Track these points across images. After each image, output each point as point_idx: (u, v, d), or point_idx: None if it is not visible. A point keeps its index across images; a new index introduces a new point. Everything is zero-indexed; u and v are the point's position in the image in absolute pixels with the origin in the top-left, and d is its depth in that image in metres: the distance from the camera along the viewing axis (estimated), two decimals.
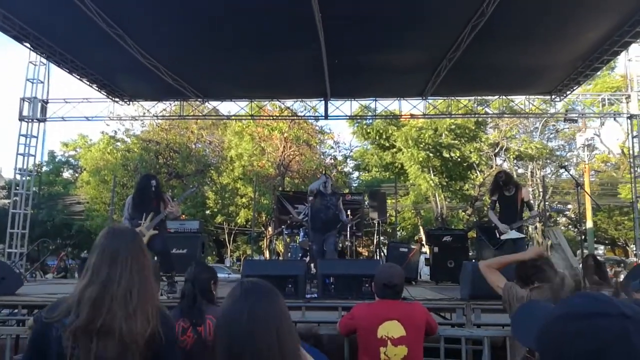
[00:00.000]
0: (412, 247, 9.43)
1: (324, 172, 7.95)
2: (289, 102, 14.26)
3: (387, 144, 23.24)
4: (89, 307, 1.82)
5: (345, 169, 29.36)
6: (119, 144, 25.60)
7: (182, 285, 3.08)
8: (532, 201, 7.06)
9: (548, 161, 27.49)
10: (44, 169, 25.61)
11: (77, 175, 29.85)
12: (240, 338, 1.36)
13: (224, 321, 1.42)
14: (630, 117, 11.69)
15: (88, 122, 12.76)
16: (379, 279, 3.24)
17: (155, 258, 6.56)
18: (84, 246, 29.13)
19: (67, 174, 31.39)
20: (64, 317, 1.88)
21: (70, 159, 30.98)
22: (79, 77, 10.81)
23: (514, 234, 6.76)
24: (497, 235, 6.93)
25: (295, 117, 18.60)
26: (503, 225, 6.81)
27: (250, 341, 1.36)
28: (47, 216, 25.89)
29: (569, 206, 29.13)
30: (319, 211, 7.63)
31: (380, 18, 7.82)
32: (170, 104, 13.35)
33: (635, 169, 11.75)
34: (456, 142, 20.80)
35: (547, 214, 22.42)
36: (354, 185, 28.99)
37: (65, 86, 26.41)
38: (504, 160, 26.18)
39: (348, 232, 10.26)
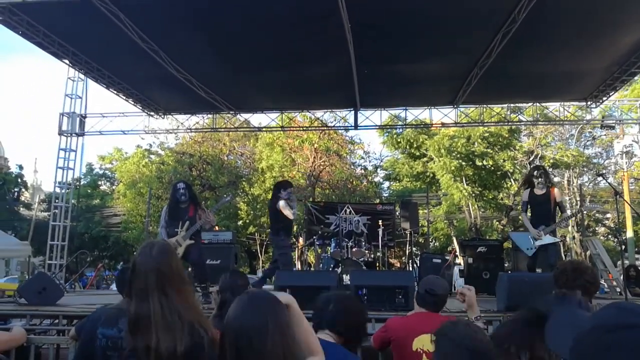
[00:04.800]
0: (446, 258, 9.29)
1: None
2: (319, 113, 14.32)
3: (418, 153, 23.06)
4: (132, 325, 1.88)
5: (376, 179, 29.22)
6: (153, 156, 26.17)
7: (216, 294, 3.15)
8: (564, 202, 6.87)
9: (585, 169, 26.76)
10: (82, 181, 26.38)
11: (113, 187, 30.59)
12: (246, 342, 1.49)
13: (232, 327, 1.54)
14: None
15: (124, 135, 13.10)
16: (422, 286, 3.21)
17: (190, 269, 6.66)
18: (121, 258, 29.81)
19: (104, 187, 32.20)
20: (107, 327, 1.95)
21: (106, 171, 31.79)
22: (115, 92, 11.13)
23: (549, 239, 6.58)
24: (532, 241, 6.71)
25: (325, 128, 18.66)
26: (535, 231, 6.62)
27: (255, 345, 1.48)
28: (85, 228, 26.58)
29: (608, 215, 28.24)
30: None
31: (410, 27, 7.80)
32: (203, 117, 13.58)
33: None
34: (489, 150, 20.48)
35: (585, 222, 21.79)
36: (385, 195, 28.83)
37: (103, 101, 27.24)
38: None
39: (380, 243, 10.22)
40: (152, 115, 12.71)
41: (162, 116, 12.96)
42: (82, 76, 11.33)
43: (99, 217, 28.16)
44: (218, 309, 3.02)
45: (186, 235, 6.45)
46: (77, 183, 13.83)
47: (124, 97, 11.51)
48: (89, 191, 29.39)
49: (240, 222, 24.50)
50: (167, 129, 14.78)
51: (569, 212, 6.93)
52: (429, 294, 3.15)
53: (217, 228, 13.97)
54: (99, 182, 32.09)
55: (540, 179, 6.76)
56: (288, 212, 7.41)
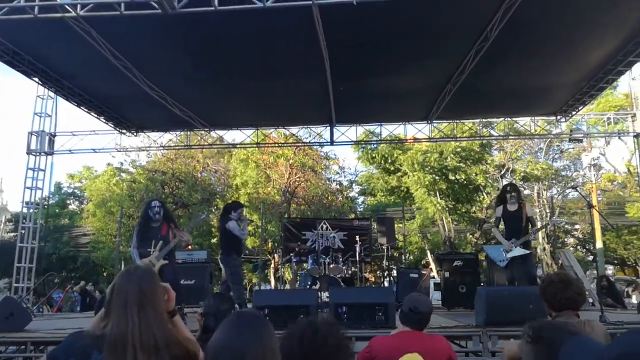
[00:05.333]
0: (423, 272, 9.31)
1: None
2: (294, 129, 14.32)
3: (392, 168, 23.24)
4: (110, 346, 1.82)
5: (351, 194, 29.29)
6: (124, 174, 25.72)
7: (199, 317, 3.08)
8: (534, 217, 7.30)
9: (554, 182, 27.38)
10: (50, 201, 25.70)
11: (82, 206, 29.90)
12: None
13: (213, 349, 1.51)
14: (637, 135, 11.65)
15: (95, 153, 12.85)
16: (406, 304, 3.17)
17: None
18: (90, 279, 29.01)
19: (73, 206, 31.45)
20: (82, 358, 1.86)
21: (76, 190, 31.08)
22: (86, 110, 10.91)
23: (519, 251, 6.87)
24: (504, 254, 7.02)
25: (301, 144, 18.65)
26: (507, 243, 6.95)
27: None
28: (53, 249, 25.82)
29: (577, 226, 28.90)
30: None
31: (385, 44, 7.89)
32: (177, 134, 13.42)
33: None
34: (462, 164, 20.76)
35: (556, 234, 22.24)
36: (360, 210, 28.91)
37: (74, 119, 26.73)
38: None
39: (357, 259, 10.20)
40: (124, 133, 12.49)
41: (135, 134, 12.76)
42: (52, 94, 11.10)
43: (68, 237, 27.41)
44: (202, 332, 2.94)
45: (159, 255, 6.28)
46: (45, 202, 13.45)
47: (96, 115, 11.29)
48: (57, 211, 28.61)
49: (214, 240, 24.17)
50: (139, 147, 14.57)
51: (538, 224, 7.37)
52: (413, 312, 3.12)
53: (190, 247, 13.75)
54: (68, 201, 31.32)
55: (512, 194, 7.13)
56: (238, 233, 7.57)
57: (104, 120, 11.68)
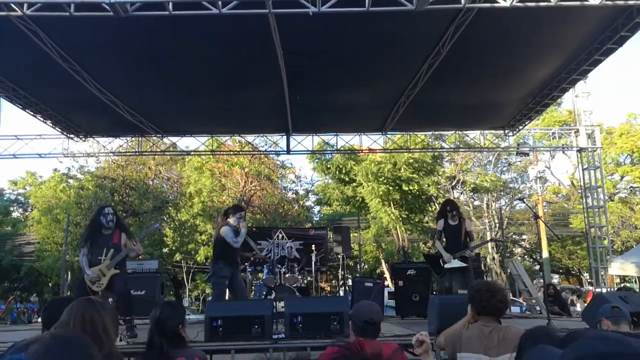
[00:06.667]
0: (378, 281, 9.39)
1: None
2: (250, 137, 14.22)
3: (347, 179, 23.45)
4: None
5: (307, 204, 29.35)
6: (71, 181, 24.82)
7: (148, 330, 2.94)
8: (472, 232, 7.82)
9: (502, 193, 28.31)
10: None
11: (27, 214, 28.63)
12: None
13: None
14: (580, 150, 12.23)
15: (41, 158, 12.35)
16: (360, 317, 3.13)
17: (110, 300, 6.25)
18: (34, 289, 27.72)
19: (16, 213, 30.06)
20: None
21: (19, 197, 29.76)
22: (32, 114, 10.45)
23: (456, 263, 7.28)
24: (442, 264, 7.41)
25: (257, 152, 18.53)
26: (447, 255, 7.35)
27: None
28: None
29: (524, 236, 29.96)
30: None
31: (340, 56, 7.96)
32: (128, 140, 13.04)
33: (586, 199, 12.24)
34: (415, 175, 21.18)
35: (505, 244, 22.93)
36: (316, 219, 28.99)
37: (18, 121, 25.62)
38: (461, 193, 26.82)
39: (313, 268, 10.19)
40: (72, 138, 12.05)
41: (83, 139, 12.32)
42: None
43: (10, 246, 26.17)
44: (146, 349, 2.81)
45: (111, 264, 6.05)
46: None
47: (42, 119, 10.83)
48: (0, 218, 27.32)
49: (165, 250, 23.63)
50: (88, 153, 14.07)
51: (474, 241, 7.81)
52: (369, 324, 3.10)
53: (140, 257, 13.34)
54: (11, 208, 29.92)
55: (453, 212, 7.53)
56: (230, 240, 6.92)
57: (51, 125, 11.24)
